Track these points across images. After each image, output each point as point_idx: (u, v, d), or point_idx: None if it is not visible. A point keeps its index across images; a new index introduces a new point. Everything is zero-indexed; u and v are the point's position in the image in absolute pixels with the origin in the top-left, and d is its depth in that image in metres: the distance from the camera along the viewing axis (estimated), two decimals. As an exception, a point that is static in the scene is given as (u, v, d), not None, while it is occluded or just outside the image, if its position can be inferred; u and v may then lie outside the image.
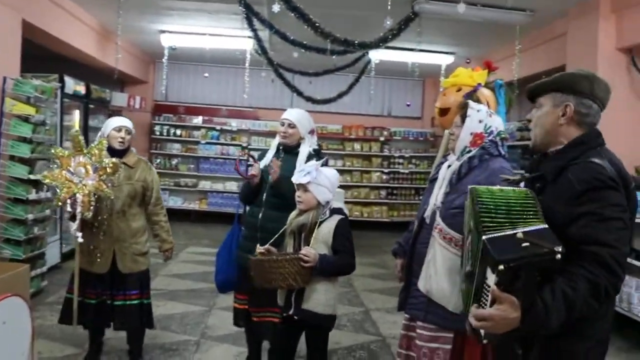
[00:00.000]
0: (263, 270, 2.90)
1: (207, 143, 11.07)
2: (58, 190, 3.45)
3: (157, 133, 11.00)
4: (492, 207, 1.66)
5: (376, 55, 8.34)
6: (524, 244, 1.56)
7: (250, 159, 3.70)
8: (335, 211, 3.06)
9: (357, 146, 11.41)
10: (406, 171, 11.40)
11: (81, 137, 3.56)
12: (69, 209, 3.45)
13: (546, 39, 6.90)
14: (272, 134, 11.02)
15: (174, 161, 11.06)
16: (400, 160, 11.44)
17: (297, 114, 3.70)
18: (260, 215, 3.56)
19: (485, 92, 2.94)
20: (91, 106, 7.75)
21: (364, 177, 11.38)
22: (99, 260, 3.65)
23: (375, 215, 11.25)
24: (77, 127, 6.96)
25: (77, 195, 3.42)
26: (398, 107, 11.91)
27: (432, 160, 11.45)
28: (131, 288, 3.78)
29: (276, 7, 4.46)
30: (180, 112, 11.10)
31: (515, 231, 1.59)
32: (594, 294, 1.64)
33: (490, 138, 2.49)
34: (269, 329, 3.57)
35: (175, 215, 9.29)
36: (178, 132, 11.06)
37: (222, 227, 10.26)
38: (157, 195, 3.90)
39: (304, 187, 3.01)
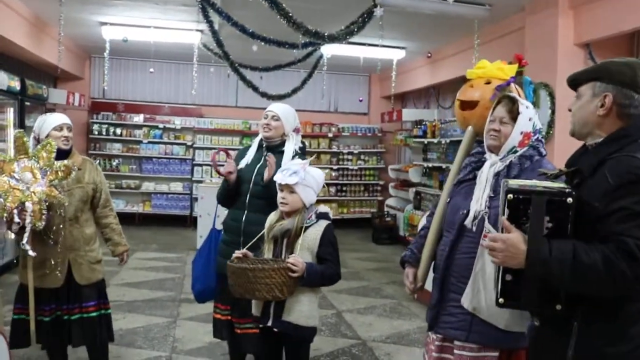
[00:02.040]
0: (246, 280, 2.61)
1: (150, 142, 10.51)
2: (2, 200, 3.04)
3: (96, 132, 10.34)
4: None
5: (328, 50, 8.16)
6: (539, 188, 1.68)
7: (226, 156, 3.46)
8: (321, 216, 2.83)
9: (305, 143, 11.17)
10: (355, 167, 11.30)
11: (26, 139, 3.19)
12: (16, 219, 3.03)
13: (502, 33, 6.94)
14: (217, 132, 10.72)
15: (115, 162, 10.44)
16: (349, 157, 11.32)
17: (282, 108, 3.48)
18: (244, 218, 3.31)
19: (517, 88, 2.70)
20: (27, 103, 7.12)
21: (313, 174, 11.17)
22: (54, 273, 3.29)
23: (325, 212, 11.07)
24: (10, 125, 6.36)
25: (27, 204, 3.02)
26: (345, 103, 11.81)
27: (380, 155, 11.47)
28: (88, 299, 3.43)
29: (249, -5, 4.20)
30: (120, 110, 10.47)
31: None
32: (608, 277, 1.58)
33: (535, 137, 2.30)
34: (253, 341, 3.33)
35: (118, 218, 8.76)
36: (118, 131, 10.45)
37: (168, 230, 9.88)
38: (106, 196, 3.57)
39: (289, 188, 2.76)
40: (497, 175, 2.26)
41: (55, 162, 3.14)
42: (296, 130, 3.50)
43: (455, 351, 2.29)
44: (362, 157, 11.41)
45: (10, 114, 6.81)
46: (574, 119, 1.88)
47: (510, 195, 1.65)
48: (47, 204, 3.11)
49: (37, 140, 3.34)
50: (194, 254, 3.70)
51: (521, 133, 2.25)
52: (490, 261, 2.16)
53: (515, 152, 2.26)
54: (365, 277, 7.02)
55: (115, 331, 3.72)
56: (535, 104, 2.93)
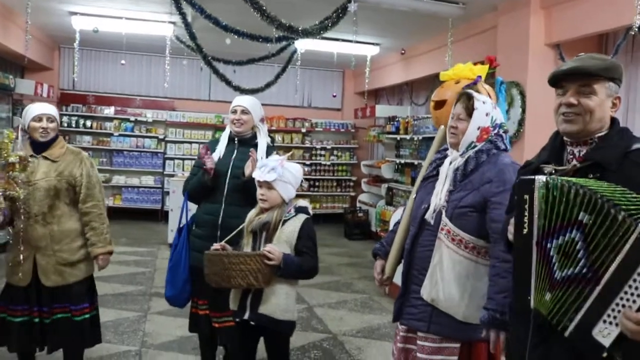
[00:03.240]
0: (222, 267, 2.67)
1: (121, 135, 10.36)
2: None
3: (65, 124, 10.11)
4: (609, 193, 1.49)
5: (302, 45, 8.15)
6: None
7: (207, 152, 3.38)
8: (300, 210, 2.87)
9: (278, 137, 11.16)
10: (328, 163, 11.32)
11: None
12: None
13: (475, 32, 7.02)
14: (190, 125, 10.62)
15: (84, 154, 10.27)
16: (322, 152, 11.34)
17: (249, 100, 3.48)
18: (221, 212, 3.28)
19: (485, 86, 2.79)
20: (-7, 94, 6.96)
21: (286, 170, 11.15)
22: (18, 271, 3.16)
23: (297, 207, 11.07)
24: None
25: None
26: (318, 98, 11.81)
27: (353, 151, 11.52)
28: (59, 301, 3.28)
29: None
30: (90, 102, 10.29)
31: None
32: None
33: (495, 132, 2.35)
34: (230, 334, 3.32)
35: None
36: (88, 123, 10.26)
37: (139, 225, 9.77)
38: (87, 191, 3.32)
39: (268, 184, 2.78)
40: (456, 170, 2.33)
41: (11, 154, 2.99)
42: (262, 121, 3.50)
43: (418, 342, 2.37)
44: (335, 152, 11.44)
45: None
46: (590, 118, 1.76)
47: None
48: (6, 198, 2.97)
49: (25, 132, 3.26)
50: (165, 248, 3.62)
51: (478, 128, 2.31)
52: (447, 254, 2.25)
53: (475, 147, 2.32)
54: (337, 272, 7.05)
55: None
56: (510, 104, 3.02)
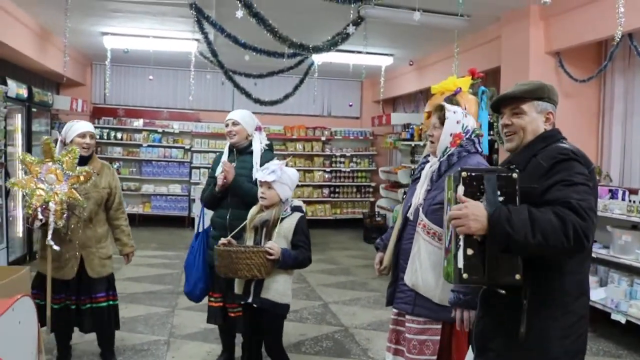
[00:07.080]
0: (230, 261, 3.08)
1: (149, 146, 10.96)
2: (28, 198, 3.45)
3: (97, 137, 10.67)
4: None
5: (319, 58, 8.56)
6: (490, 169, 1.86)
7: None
8: (295, 209, 3.30)
9: (299, 146, 11.62)
10: (348, 170, 11.72)
11: (53, 145, 3.57)
12: (39, 216, 3.45)
13: (481, 42, 7.35)
14: (214, 136, 11.11)
15: (116, 165, 10.80)
16: (342, 159, 11.74)
17: (239, 113, 3.92)
18: (228, 215, 3.73)
19: (467, 97, 3.14)
20: (34, 110, 7.53)
21: (307, 177, 11.59)
22: (67, 267, 3.69)
23: (319, 213, 11.48)
24: (18, 131, 6.73)
25: (51, 203, 3.42)
26: (337, 107, 12.23)
27: (372, 158, 11.89)
28: (99, 291, 3.85)
29: (239, 13, 4.60)
30: (121, 115, 10.92)
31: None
32: (563, 229, 1.73)
33: (467, 137, 2.68)
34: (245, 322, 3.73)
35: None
36: (119, 135, 10.89)
37: (167, 230, 10.28)
38: (119, 200, 3.97)
39: (268, 184, 3.22)
40: (433, 172, 2.69)
41: (78, 167, 3.52)
42: (258, 129, 3.91)
43: (406, 324, 2.73)
44: (354, 159, 11.82)
45: (18, 120, 7.22)
46: (524, 134, 2.08)
47: (464, 173, 1.79)
48: (67, 204, 3.50)
49: (63, 144, 3.75)
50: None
51: (451, 134, 2.66)
52: (424, 245, 2.60)
53: (449, 151, 2.67)
54: (353, 273, 7.42)
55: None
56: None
